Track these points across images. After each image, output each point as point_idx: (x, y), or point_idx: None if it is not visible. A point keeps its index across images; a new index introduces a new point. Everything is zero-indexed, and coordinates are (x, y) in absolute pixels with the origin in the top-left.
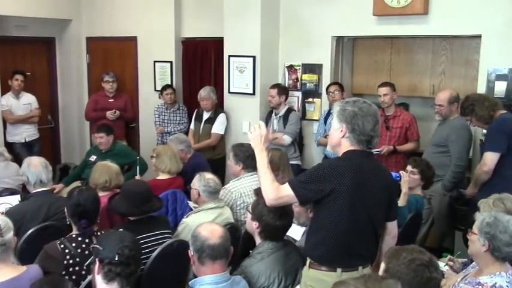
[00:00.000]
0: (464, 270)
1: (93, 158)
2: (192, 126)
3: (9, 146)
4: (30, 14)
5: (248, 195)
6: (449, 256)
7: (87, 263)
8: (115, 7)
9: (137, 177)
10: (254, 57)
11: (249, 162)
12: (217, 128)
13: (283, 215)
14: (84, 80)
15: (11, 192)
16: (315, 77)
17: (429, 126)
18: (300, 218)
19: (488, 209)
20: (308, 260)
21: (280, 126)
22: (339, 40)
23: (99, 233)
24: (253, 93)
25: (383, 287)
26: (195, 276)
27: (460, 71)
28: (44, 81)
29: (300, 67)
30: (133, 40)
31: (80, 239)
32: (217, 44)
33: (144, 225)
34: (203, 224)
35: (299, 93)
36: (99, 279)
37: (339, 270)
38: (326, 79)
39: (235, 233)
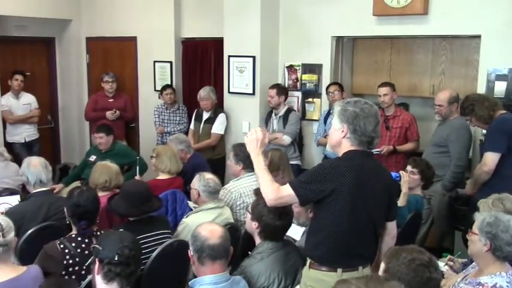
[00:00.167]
0: (464, 271)
1: (92, 158)
2: (191, 126)
3: (9, 146)
4: (30, 14)
5: (248, 195)
6: (449, 256)
7: (87, 263)
8: (115, 7)
9: (137, 177)
10: (254, 57)
11: (249, 162)
12: (217, 128)
13: (282, 215)
14: (84, 80)
15: (11, 192)
16: (314, 77)
17: (429, 126)
18: (299, 218)
19: (487, 209)
20: (308, 260)
21: (280, 126)
22: (339, 40)
23: (98, 233)
24: (253, 93)
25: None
26: (195, 276)
27: (460, 71)
28: (44, 81)
29: (300, 67)
30: (133, 40)
31: (79, 239)
32: (217, 44)
33: (143, 225)
34: (203, 224)
35: (299, 93)
36: (98, 279)
37: (339, 270)
38: (326, 79)
39: (235, 233)
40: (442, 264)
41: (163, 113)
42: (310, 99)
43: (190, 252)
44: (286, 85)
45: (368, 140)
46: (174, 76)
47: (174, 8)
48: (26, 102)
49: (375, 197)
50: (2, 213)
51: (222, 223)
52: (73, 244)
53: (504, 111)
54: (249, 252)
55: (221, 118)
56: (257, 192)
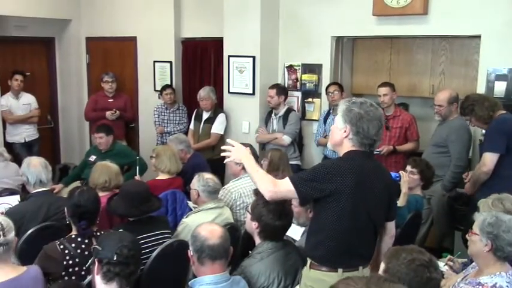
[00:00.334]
0: (464, 271)
1: (92, 158)
2: (191, 126)
3: (9, 146)
4: (29, 14)
5: (248, 196)
6: (449, 256)
7: (88, 263)
8: (115, 7)
9: (137, 177)
10: (254, 57)
11: None
12: (217, 128)
13: (282, 215)
14: (84, 80)
15: (11, 192)
16: (314, 77)
17: (429, 126)
18: (299, 218)
19: (487, 209)
20: (309, 261)
21: (280, 127)
22: (339, 40)
23: (98, 234)
24: (253, 93)
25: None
26: (195, 276)
27: (460, 71)
28: (44, 81)
29: (300, 67)
30: (133, 40)
31: (79, 239)
32: (217, 44)
33: (143, 226)
34: (203, 224)
35: (299, 93)
36: (98, 280)
37: (339, 270)
38: (326, 79)
39: (234, 233)
40: (442, 264)
41: (163, 113)
42: (310, 99)
43: (190, 252)
44: (286, 85)
45: (370, 142)
46: (174, 76)
47: (174, 8)
48: (25, 102)
49: (375, 197)
50: (2, 213)
51: (222, 223)
52: (73, 245)
53: (504, 112)
54: (250, 252)
55: (221, 118)
56: (257, 192)
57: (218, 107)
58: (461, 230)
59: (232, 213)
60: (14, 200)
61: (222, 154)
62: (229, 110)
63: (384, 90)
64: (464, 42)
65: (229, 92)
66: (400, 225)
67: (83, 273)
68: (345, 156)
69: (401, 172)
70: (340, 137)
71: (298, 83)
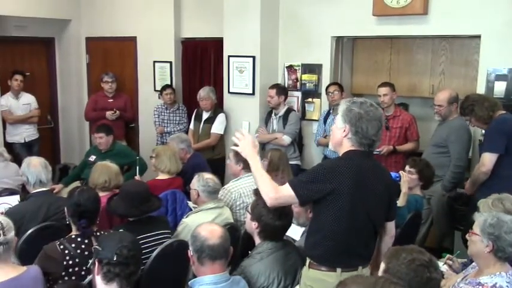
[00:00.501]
0: (464, 271)
1: (92, 158)
2: (191, 126)
3: (9, 146)
4: (29, 14)
5: (248, 196)
6: (448, 255)
7: (89, 264)
8: (115, 7)
9: (137, 177)
10: (254, 57)
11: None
12: (217, 127)
13: (282, 215)
14: (84, 80)
15: (11, 192)
16: (314, 77)
17: (429, 126)
18: (299, 218)
19: (487, 209)
20: (308, 260)
21: (280, 127)
22: (339, 40)
23: (98, 234)
24: (253, 94)
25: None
26: (195, 276)
27: (460, 71)
28: (44, 81)
29: (300, 67)
30: (133, 40)
31: (79, 239)
32: (217, 44)
33: (143, 226)
34: (203, 224)
35: (299, 93)
36: (98, 280)
37: (338, 270)
38: (326, 79)
39: (234, 233)
40: (441, 264)
41: (163, 113)
42: (309, 99)
43: (190, 252)
44: (286, 85)
45: (369, 142)
46: (174, 76)
47: (174, 8)
48: (25, 102)
49: (374, 197)
50: (2, 213)
51: (222, 223)
52: (73, 245)
53: (504, 112)
54: (250, 252)
55: (221, 118)
56: (256, 192)
57: (218, 107)
58: (461, 230)
59: (232, 213)
60: (14, 200)
61: (232, 138)
62: (229, 110)
63: (383, 90)
64: (464, 42)
65: (229, 92)
66: (400, 225)
67: (82, 273)
68: (344, 156)
69: (401, 172)
70: (340, 137)
71: (298, 83)
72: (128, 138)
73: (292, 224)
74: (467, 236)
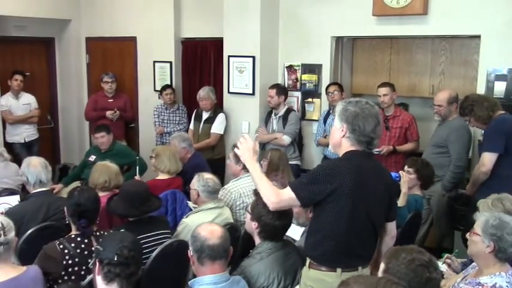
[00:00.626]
0: (464, 271)
1: (92, 158)
2: (191, 126)
3: (9, 146)
4: (29, 14)
5: (248, 196)
6: (447, 254)
7: (90, 264)
8: (115, 7)
9: (137, 177)
10: (254, 57)
11: None
12: (217, 127)
13: (282, 215)
14: (84, 80)
15: (11, 192)
16: (314, 77)
17: (429, 126)
18: (299, 218)
19: (487, 209)
20: (308, 260)
21: (280, 127)
22: (339, 40)
23: (98, 234)
24: (253, 94)
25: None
26: (195, 276)
27: (460, 71)
28: (44, 81)
29: (300, 67)
30: (132, 40)
31: (79, 239)
32: (217, 44)
33: (143, 226)
34: (203, 224)
35: (298, 94)
36: (99, 280)
37: (338, 270)
38: (325, 79)
39: (234, 233)
40: (441, 264)
41: (163, 113)
42: (309, 100)
43: (190, 253)
44: (286, 85)
45: (367, 140)
46: (174, 76)
47: (174, 8)
48: (25, 102)
49: (375, 197)
50: (2, 213)
51: (222, 223)
52: (72, 244)
53: (503, 112)
54: (250, 252)
55: (220, 118)
56: (256, 192)
57: (218, 107)
58: (461, 230)
59: (232, 213)
60: (14, 200)
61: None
62: (229, 110)
63: (383, 90)
64: (464, 42)
65: (229, 92)
66: (400, 225)
67: (82, 273)
68: (344, 156)
69: (401, 172)
70: (338, 137)
71: (298, 83)
72: (127, 138)
73: (292, 224)
74: (467, 236)
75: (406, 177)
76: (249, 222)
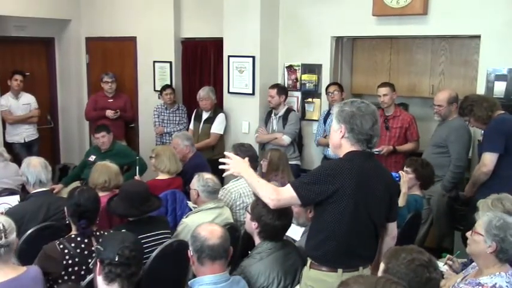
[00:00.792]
0: (464, 271)
1: (92, 158)
2: (191, 126)
3: (9, 146)
4: (29, 14)
5: (247, 196)
6: (448, 255)
7: (91, 264)
8: (115, 7)
9: (137, 177)
10: (254, 57)
11: (249, 162)
12: (217, 127)
13: (282, 215)
14: (84, 80)
15: (11, 192)
16: (314, 77)
17: (429, 126)
18: (299, 218)
19: (487, 209)
20: (309, 261)
21: (280, 127)
22: (339, 40)
23: (98, 234)
24: (253, 94)
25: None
26: (195, 276)
27: (460, 71)
28: (43, 81)
29: (300, 67)
30: (132, 40)
31: (79, 239)
32: (217, 44)
33: (143, 226)
34: (202, 224)
35: (298, 94)
36: (100, 281)
37: (339, 270)
38: (325, 79)
39: (234, 233)
40: (441, 264)
41: (162, 113)
42: (309, 100)
43: (190, 253)
44: (286, 85)
45: (366, 138)
46: (174, 76)
47: (174, 8)
48: (25, 102)
49: (375, 198)
50: (2, 213)
51: (222, 223)
52: (72, 244)
53: (503, 112)
54: (250, 252)
55: (220, 118)
56: None
57: (218, 107)
58: (461, 230)
59: (232, 213)
60: (14, 200)
61: (221, 167)
62: (229, 110)
63: (383, 90)
64: (464, 42)
65: (229, 92)
66: (400, 225)
67: (82, 272)
68: (345, 156)
69: (400, 172)
70: (338, 138)
71: (298, 83)
72: (127, 138)
73: (292, 224)
74: (468, 235)
75: (406, 178)
76: (249, 222)
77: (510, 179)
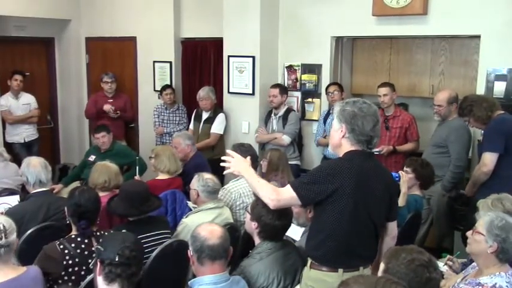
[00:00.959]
0: (463, 271)
1: (92, 158)
2: (191, 126)
3: (9, 146)
4: (29, 14)
5: (247, 196)
6: (448, 256)
7: (91, 264)
8: (114, 7)
9: (136, 177)
10: (254, 57)
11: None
12: (217, 127)
13: (282, 215)
14: (84, 80)
15: (11, 192)
16: (314, 77)
17: (429, 126)
18: (299, 218)
19: (487, 209)
20: (309, 261)
21: (280, 126)
22: (339, 40)
23: (98, 234)
24: (253, 94)
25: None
26: (195, 276)
27: (459, 71)
28: (43, 81)
29: (300, 67)
30: (132, 40)
31: (79, 239)
32: (217, 44)
33: (143, 226)
34: (202, 224)
35: (298, 94)
36: (100, 281)
37: (340, 270)
38: (325, 79)
39: (234, 233)
40: (441, 265)
41: (162, 113)
42: (309, 100)
43: (190, 253)
44: (286, 85)
45: (366, 139)
46: (174, 76)
47: (174, 8)
48: (25, 102)
49: (375, 197)
50: (2, 213)
51: (222, 223)
52: (72, 245)
53: (502, 112)
54: (250, 252)
55: (220, 118)
56: None
57: (218, 107)
58: (460, 230)
59: (232, 213)
60: (14, 200)
61: (222, 164)
62: (229, 110)
63: (383, 90)
64: (464, 42)
65: (229, 92)
66: (399, 225)
67: (82, 273)
68: (345, 156)
69: (400, 172)
70: (338, 138)
71: (298, 83)
72: (127, 138)
73: (292, 224)
74: (469, 234)
75: (406, 177)
76: (248, 222)
77: (510, 179)
